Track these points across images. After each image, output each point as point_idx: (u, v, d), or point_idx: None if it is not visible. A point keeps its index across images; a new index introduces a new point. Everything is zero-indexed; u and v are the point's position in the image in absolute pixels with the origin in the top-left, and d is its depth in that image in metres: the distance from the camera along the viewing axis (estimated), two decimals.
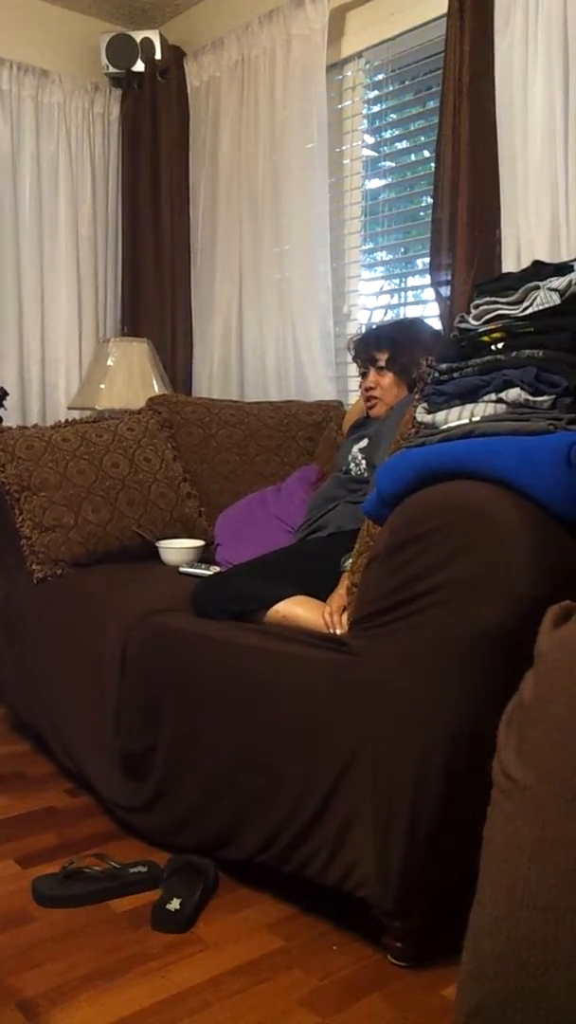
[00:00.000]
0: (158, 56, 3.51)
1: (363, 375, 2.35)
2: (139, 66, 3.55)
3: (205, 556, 2.47)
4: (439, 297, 2.51)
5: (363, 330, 2.53)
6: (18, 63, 3.41)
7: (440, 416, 1.57)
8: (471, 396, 1.56)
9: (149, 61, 3.53)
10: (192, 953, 1.54)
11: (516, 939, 0.74)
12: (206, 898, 1.71)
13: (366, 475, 2.21)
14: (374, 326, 2.55)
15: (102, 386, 3.19)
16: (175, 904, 1.64)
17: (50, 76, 3.51)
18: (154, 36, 3.51)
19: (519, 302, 1.55)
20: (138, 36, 3.52)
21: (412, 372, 2.22)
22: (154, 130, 3.58)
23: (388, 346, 2.28)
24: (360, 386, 2.39)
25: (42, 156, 3.53)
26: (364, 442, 2.28)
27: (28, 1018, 1.37)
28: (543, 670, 0.90)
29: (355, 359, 2.40)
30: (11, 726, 2.67)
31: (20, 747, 2.53)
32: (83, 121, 3.63)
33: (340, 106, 3.08)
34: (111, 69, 3.58)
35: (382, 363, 2.28)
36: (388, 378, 2.28)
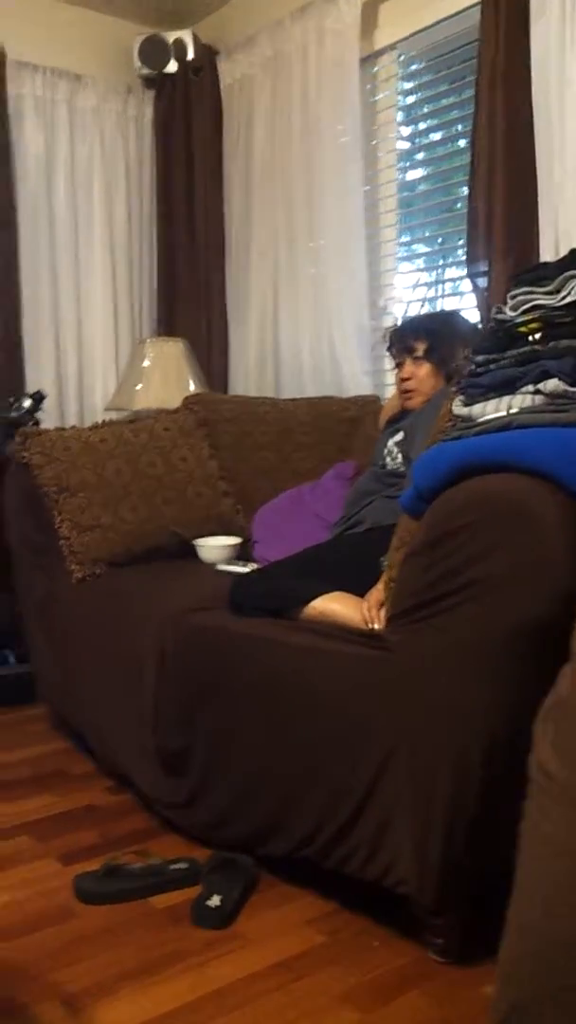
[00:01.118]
0: (190, 56, 3.52)
1: (399, 366, 2.33)
2: (172, 67, 3.55)
3: (242, 553, 2.47)
4: (476, 288, 2.49)
5: (399, 322, 2.50)
6: (51, 68, 3.44)
7: (477, 408, 1.55)
8: (508, 388, 1.53)
9: (182, 61, 3.53)
10: (232, 949, 1.55)
11: (552, 938, 0.73)
12: (246, 894, 1.71)
13: (402, 469, 2.19)
14: (410, 317, 2.53)
15: (138, 387, 3.21)
16: (215, 900, 1.65)
17: (83, 80, 3.53)
18: (186, 36, 3.52)
19: (556, 292, 1.52)
20: (170, 37, 3.53)
21: (450, 364, 2.20)
22: (187, 130, 3.59)
23: (426, 336, 2.26)
24: (396, 378, 2.37)
25: (76, 160, 3.55)
26: (399, 435, 2.26)
27: (70, 1013, 1.38)
28: None
29: (390, 349, 2.37)
30: (52, 724, 2.70)
31: (61, 745, 2.56)
32: (116, 124, 3.65)
33: (374, 99, 3.06)
34: (144, 71, 3.59)
35: (419, 353, 2.26)
36: (425, 369, 2.25)
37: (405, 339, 2.28)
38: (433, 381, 2.24)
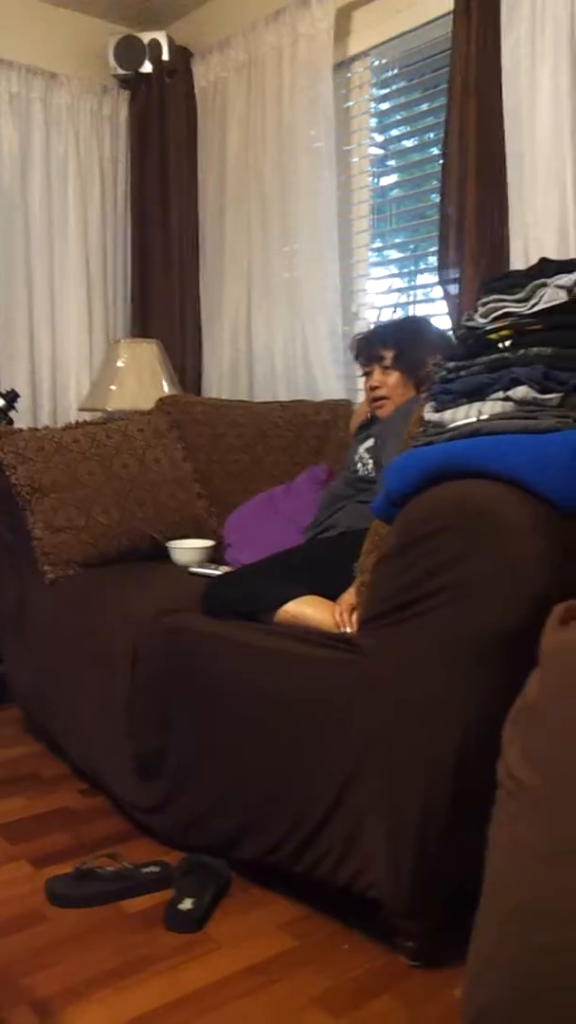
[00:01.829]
0: (165, 57, 3.52)
1: (367, 375, 2.33)
2: (147, 67, 3.55)
3: (215, 556, 2.47)
4: (447, 295, 2.50)
5: (366, 330, 2.50)
6: (26, 66, 3.42)
7: (448, 415, 1.56)
8: (478, 394, 1.55)
9: (157, 62, 3.53)
10: (204, 953, 1.55)
11: (520, 941, 0.74)
12: (218, 898, 1.71)
13: (373, 475, 2.21)
14: (377, 324, 2.53)
15: (112, 387, 3.20)
16: (187, 904, 1.65)
17: (58, 78, 3.51)
18: (161, 37, 3.52)
19: (526, 299, 1.54)
20: (146, 37, 3.53)
21: (419, 371, 2.20)
22: (162, 131, 3.59)
23: (394, 344, 2.26)
24: (365, 386, 2.37)
25: (51, 158, 3.54)
26: (370, 442, 2.27)
27: (41, 1018, 1.38)
28: (548, 670, 0.89)
29: (357, 358, 2.36)
30: (25, 727, 2.68)
31: (34, 748, 2.54)
32: (91, 123, 3.64)
33: (347, 104, 3.07)
34: (119, 71, 3.58)
35: (388, 362, 2.26)
36: (394, 377, 2.26)
37: (372, 348, 2.28)
38: (403, 389, 2.24)
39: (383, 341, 2.27)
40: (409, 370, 2.23)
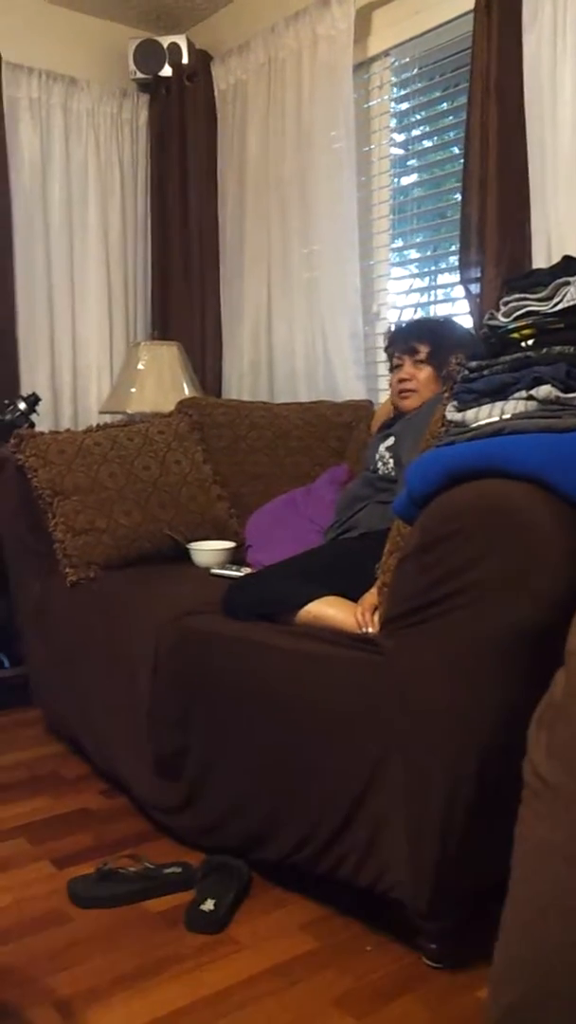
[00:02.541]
0: (185, 60, 3.53)
1: (397, 367, 2.33)
2: (167, 71, 3.57)
3: (236, 557, 2.48)
4: (469, 295, 2.49)
5: (400, 322, 2.49)
6: (46, 71, 3.45)
7: (470, 414, 1.56)
8: (501, 394, 1.54)
9: (176, 66, 3.55)
10: (226, 954, 1.55)
11: (547, 941, 0.73)
12: (240, 899, 1.71)
13: (394, 474, 2.20)
14: (416, 318, 2.52)
15: (133, 390, 3.21)
16: (209, 905, 1.65)
17: (78, 83, 3.53)
18: (181, 41, 3.53)
19: (549, 298, 1.53)
20: (165, 41, 3.54)
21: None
22: (182, 134, 3.60)
23: (430, 339, 2.26)
24: (392, 378, 2.36)
25: (71, 163, 3.56)
26: (391, 440, 2.27)
27: (64, 1018, 1.38)
28: (574, 668, 0.88)
29: (389, 348, 2.36)
30: (47, 728, 2.70)
31: (55, 748, 2.55)
32: (112, 127, 3.66)
33: (367, 105, 3.07)
34: (139, 75, 3.60)
35: (422, 356, 2.26)
36: (425, 372, 2.26)
37: (409, 339, 2.29)
38: (432, 385, 2.25)
39: (420, 335, 2.28)
40: (440, 367, 2.23)
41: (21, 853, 1.92)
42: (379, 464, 2.29)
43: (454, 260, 2.60)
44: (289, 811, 1.65)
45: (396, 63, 2.97)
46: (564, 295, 1.51)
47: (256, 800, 1.72)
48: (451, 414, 1.60)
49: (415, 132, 2.99)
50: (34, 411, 2.94)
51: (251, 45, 3.28)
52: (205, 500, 2.60)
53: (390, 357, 2.37)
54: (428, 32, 2.79)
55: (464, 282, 2.50)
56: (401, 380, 2.29)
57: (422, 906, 1.44)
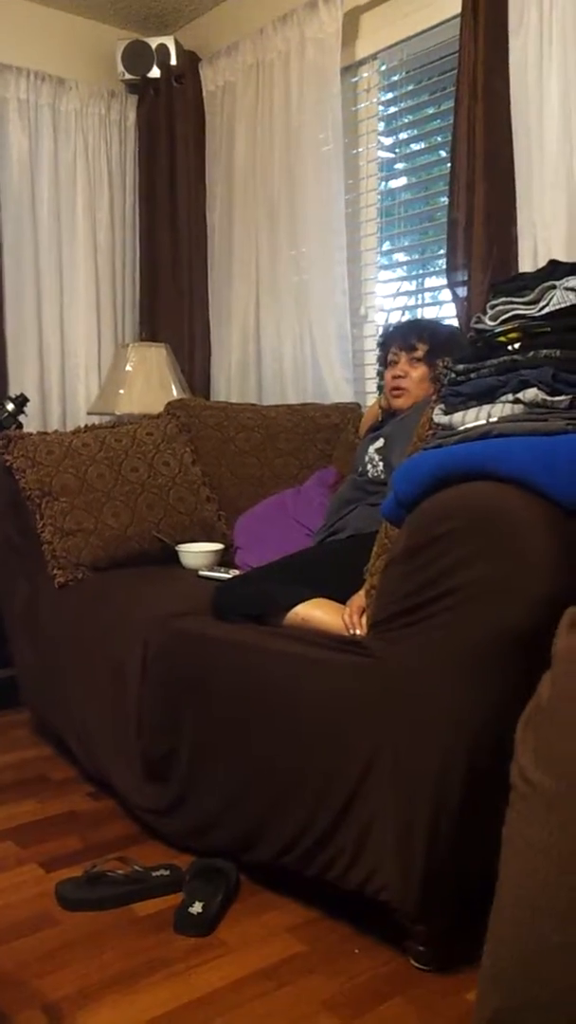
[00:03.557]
0: (173, 62, 3.53)
1: (392, 363, 2.33)
2: (155, 72, 3.56)
3: (224, 559, 2.48)
4: (456, 297, 2.50)
5: (399, 320, 2.48)
6: (35, 71, 3.44)
7: (457, 417, 1.56)
8: (488, 397, 1.55)
9: (165, 67, 3.54)
10: (214, 957, 1.55)
11: (535, 944, 0.74)
12: (228, 902, 1.71)
13: (383, 476, 2.20)
14: (416, 318, 2.52)
15: (121, 391, 3.21)
16: (197, 907, 1.65)
17: (66, 84, 3.53)
18: (169, 42, 3.53)
19: (535, 302, 1.54)
20: (153, 42, 3.54)
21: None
22: (170, 135, 3.59)
23: (430, 339, 2.27)
24: (386, 375, 2.35)
25: (60, 163, 3.55)
26: (380, 442, 2.27)
27: (52, 1021, 1.38)
28: (560, 671, 0.89)
29: (386, 345, 2.36)
30: (34, 730, 2.69)
31: (43, 751, 2.55)
32: (100, 128, 3.65)
33: (355, 108, 3.08)
34: (127, 76, 3.60)
35: (419, 354, 2.27)
36: (419, 371, 2.26)
37: (408, 336, 2.29)
38: (424, 385, 2.25)
39: (420, 333, 2.28)
40: (434, 369, 2.23)
41: (8, 856, 1.92)
42: (368, 466, 2.29)
43: (441, 263, 2.61)
44: (277, 813, 1.65)
45: (384, 66, 2.98)
46: (550, 299, 1.52)
47: (245, 802, 1.72)
48: (438, 417, 1.61)
49: (403, 135, 3.00)
50: (22, 412, 2.93)
51: (239, 47, 3.28)
52: (193, 502, 2.60)
53: (385, 354, 2.37)
54: (416, 36, 2.79)
55: (451, 285, 2.50)
56: (395, 377, 2.30)
57: (411, 908, 1.44)
